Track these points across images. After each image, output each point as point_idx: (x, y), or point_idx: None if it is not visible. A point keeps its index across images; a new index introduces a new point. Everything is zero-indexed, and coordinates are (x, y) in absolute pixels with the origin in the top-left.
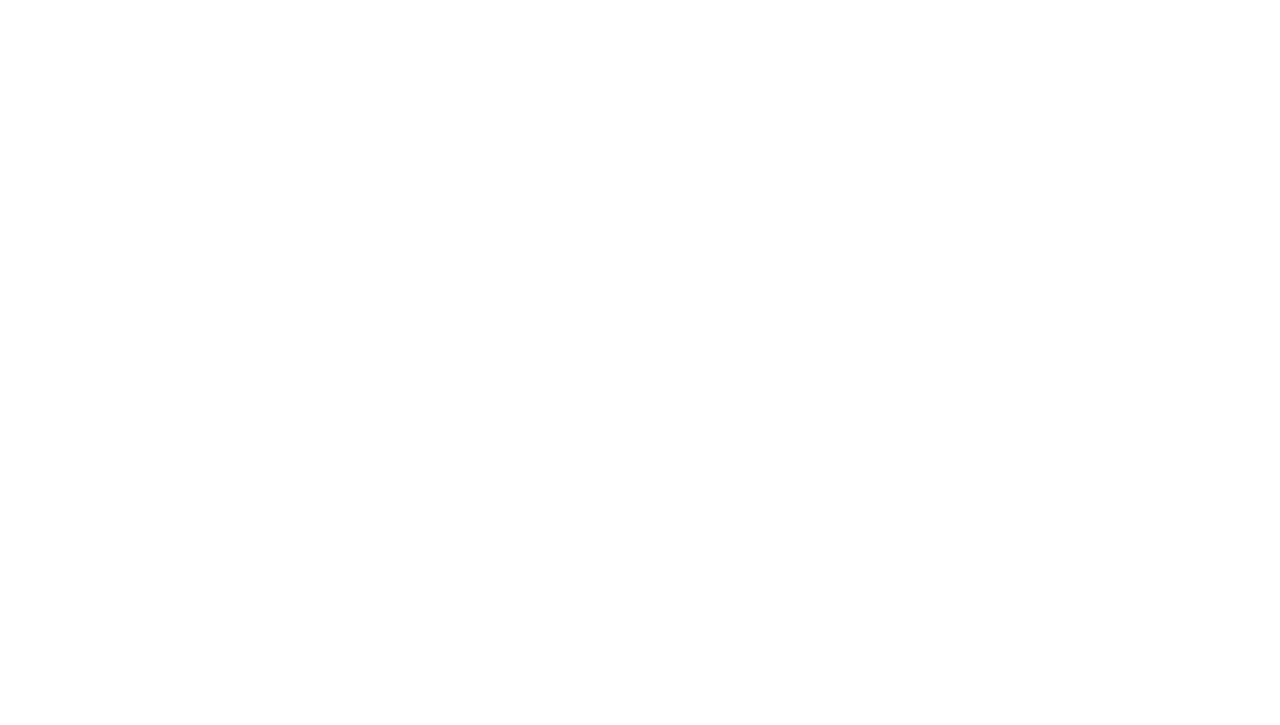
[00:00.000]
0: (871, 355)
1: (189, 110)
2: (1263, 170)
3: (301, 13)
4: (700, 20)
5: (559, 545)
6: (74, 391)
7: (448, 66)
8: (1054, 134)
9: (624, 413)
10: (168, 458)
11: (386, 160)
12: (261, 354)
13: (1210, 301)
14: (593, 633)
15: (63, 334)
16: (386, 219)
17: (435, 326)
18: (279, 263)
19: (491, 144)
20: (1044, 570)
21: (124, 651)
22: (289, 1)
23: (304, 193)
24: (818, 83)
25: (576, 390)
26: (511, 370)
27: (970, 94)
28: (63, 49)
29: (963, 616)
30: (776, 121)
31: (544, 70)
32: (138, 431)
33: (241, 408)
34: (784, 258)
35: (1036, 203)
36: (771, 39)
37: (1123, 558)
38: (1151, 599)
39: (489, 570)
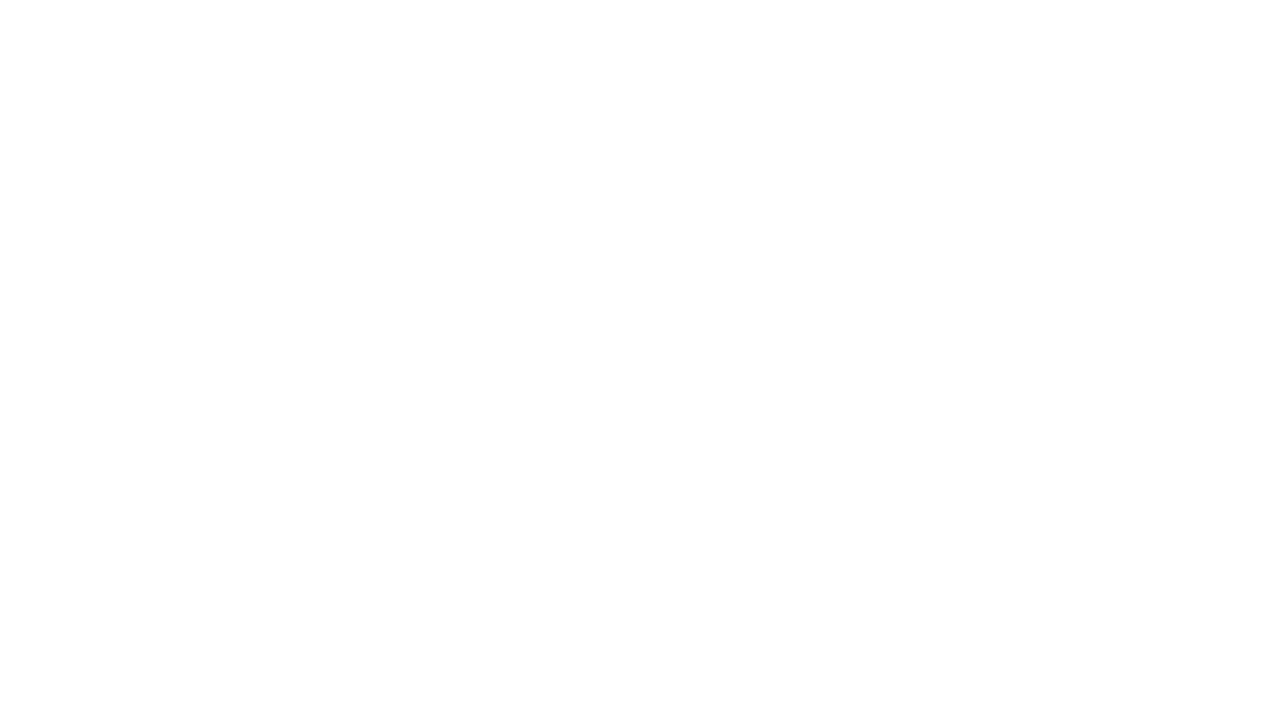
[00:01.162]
0: (871, 355)
1: (189, 110)
2: (1263, 170)
3: (301, 13)
4: (700, 20)
5: (559, 545)
6: (74, 391)
7: (448, 66)
8: (1054, 134)
9: (623, 412)
10: (168, 457)
11: (386, 160)
12: (261, 354)
13: (1210, 301)
14: (592, 633)
15: (63, 334)
16: (387, 219)
17: (435, 326)
18: (279, 263)
19: (491, 144)
20: (1044, 570)
21: (124, 652)
22: (289, 1)
23: (304, 193)
24: (818, 83)
25: (576, 390)
26: (511, 370)
27: (970, 94)
28: (63, 49)
29: (963, 616)
30: (776, 121)
31: (544, 70)
32: (137, 431)
33: (241, 407)
34: (784, 258)
35: (1036, 203)
36: (771, 39)
37: (1122, 558)
38: (1151, 599)
39: (489, 570)
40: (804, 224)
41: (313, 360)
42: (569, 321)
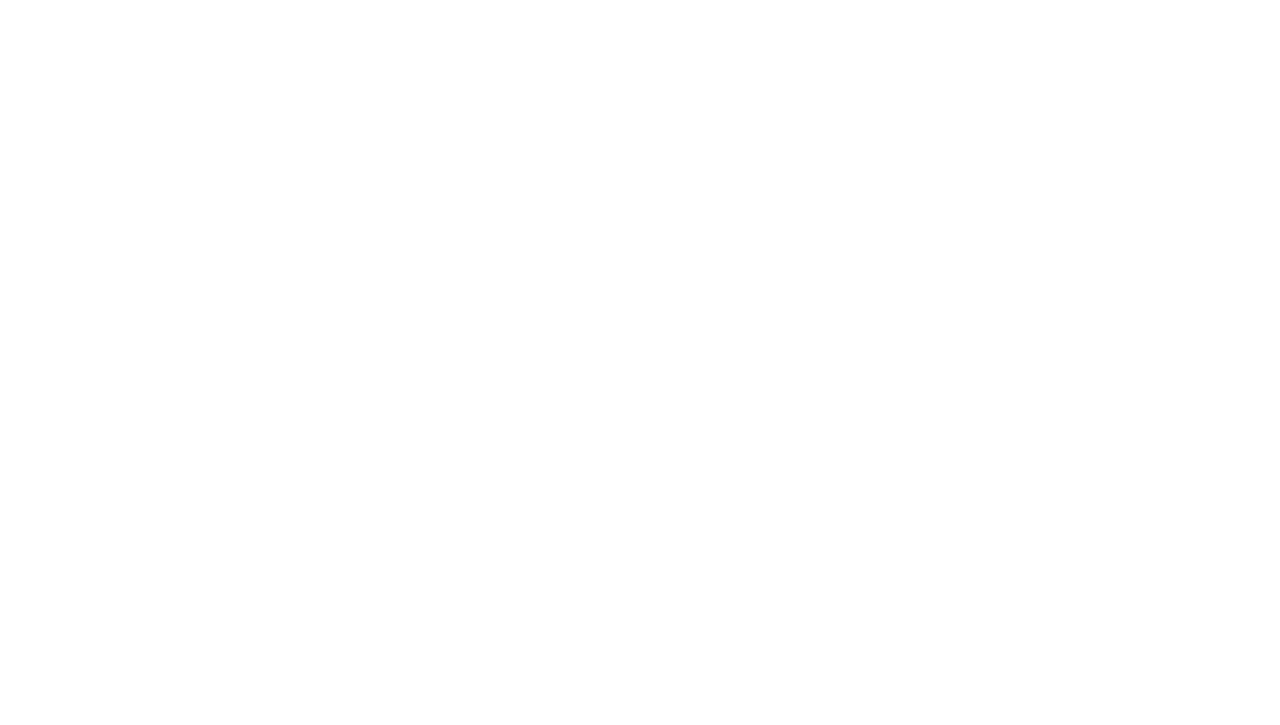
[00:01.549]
0: (871, 355)
1: (189, 110)
2: (1263, 170)
3: (301, 13)
4: (700, 20)
5: (559, 546)
6: (74, 392)
7: (448, 66)
8: (1054, 134)
9: (624, 413)
10: (168, 458)
11: (386, 160)
12: (261, 354)
13: (1210, 302)
14: (592, 633)
15: (63, 334)
16: (387, 219)
17: (435, 326)
18: (279, 263)
19: (491, 144)
20: (1044, 571)
21: (124, 652)
22: (289, 1)
23: (304, 193)
24: (818, 83)
25: (576, 390)
26: (511, 370)
27: (970, 94)
28: (63, 49)
29: (963, 617)
30: (776, 121)
31: (544, 70)
32: (138, 432)
33: (242, 408)
34: (784, 258)
35: (1036, 203)
36: (771, 39)
37: (1123, 558)
38: (1151, 599)
39: (489, 571)
40: (804, 224)
41: (312, 359)
42: (569, 321)
